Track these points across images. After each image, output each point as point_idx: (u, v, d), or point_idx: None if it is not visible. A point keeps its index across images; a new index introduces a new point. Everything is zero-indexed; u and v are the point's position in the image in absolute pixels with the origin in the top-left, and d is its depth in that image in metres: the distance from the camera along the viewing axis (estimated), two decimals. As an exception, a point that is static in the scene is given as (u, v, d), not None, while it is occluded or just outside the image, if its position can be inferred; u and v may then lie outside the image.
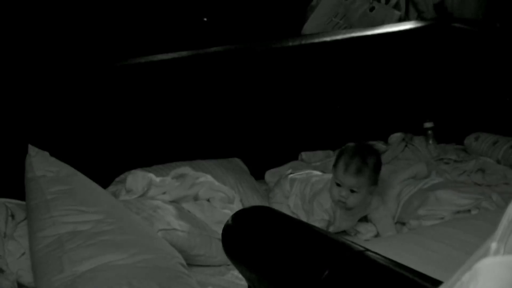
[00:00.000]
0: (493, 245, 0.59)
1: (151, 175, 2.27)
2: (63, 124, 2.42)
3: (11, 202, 2.13)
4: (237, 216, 1.32)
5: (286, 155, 2.74)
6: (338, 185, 2.18)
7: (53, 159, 2.07)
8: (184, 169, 2.36)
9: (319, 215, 2.22)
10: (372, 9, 3.07)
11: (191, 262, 2.00)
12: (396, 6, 3.12)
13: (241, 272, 1.32)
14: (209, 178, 2.33)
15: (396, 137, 2.89)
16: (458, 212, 2.27)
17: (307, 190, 2.33)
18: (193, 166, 2.43)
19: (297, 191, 2.36)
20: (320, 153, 2.80)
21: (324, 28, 3.05)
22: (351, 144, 2.28)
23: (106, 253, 1.69)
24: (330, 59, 2.81)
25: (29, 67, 2.49)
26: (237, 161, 2.66)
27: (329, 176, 2.33)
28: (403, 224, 2.35)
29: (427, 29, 2.97)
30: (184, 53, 2.63)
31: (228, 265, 1.95)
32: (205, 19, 3.00)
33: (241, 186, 2.49)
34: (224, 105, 2.68)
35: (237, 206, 2.26)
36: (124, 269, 1.65)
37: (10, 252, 1.95)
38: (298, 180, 2.39)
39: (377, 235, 2.30)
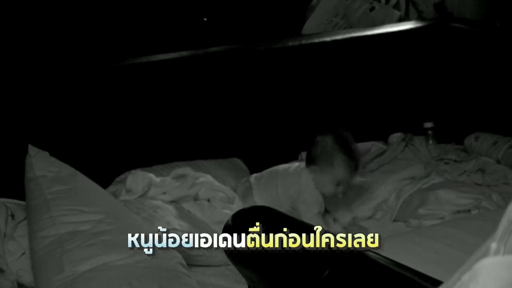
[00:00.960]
0: (493, 245, 0.59)
1: (151, 175, 2.27)
2: (63, 124, 2.42)
3: (11, 202, 2.13)
4: (237, 216, 1.32)
5: (286, 155, 2.74)
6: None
7: (53, 159, 2.07)
8: (184, 169, 2.36)
9: (314, 209, 2.22)
10: (372, 9, 3.07)
11: (191, 262, 2.00)
12: (396, 6, 3.12)
13: (241, 272, 1.32)
14: (209, 178, 2.33)
15: (396, 137, 2.88)
16: (458, 212, 2.27)
17: (291, 189, 2.29)
18: (193, 166, 2.43)
19: (272, 192, 2.31)
20: (320, 153, 2.79)
21: (324, 28, 3.05)
22: (328, 138, 2.22)
23: (106, 253, 1.69)
24: (330, 59, 2.81)
25: (29, 67, 2.49)
26: (237, 161, 2.66)
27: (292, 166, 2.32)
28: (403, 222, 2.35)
29: (427, 29, 2.96)
30: (184, 53, 2.63)
31: (228, 265, 1.95)
32: (205, 19, 3.00)
33: (241, 186, 2.48)
34: (224, 105, 2.68)
35: (237, 206, 2.26)
36: (124, 269, 1.65)
37: (10, 252, 1.95)
38: (264, 184, 2.32)
39: (354, 220, 2.35)
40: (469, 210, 2.27)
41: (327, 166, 2.21)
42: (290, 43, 2.76)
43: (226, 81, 2.67)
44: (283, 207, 2.27)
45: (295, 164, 2.38)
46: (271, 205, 2.21)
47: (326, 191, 2.22)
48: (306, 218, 2.22)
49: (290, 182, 2.30)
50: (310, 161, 2.26)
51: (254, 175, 2.40)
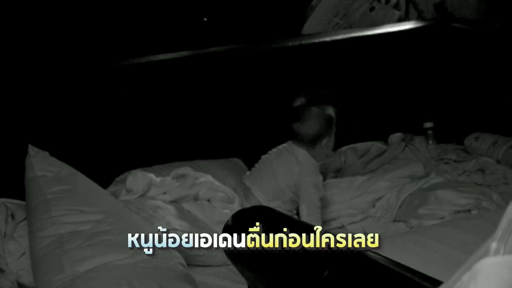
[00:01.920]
0: (493, 245, 0.59)
1: (151, 175, 2.26)
2: (63, 124, 2.42)
3: (11, 202, 2.13)
4: (237, 216, 1.32)
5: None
6: None
7: (53, 159, 2.07)
8: (185, 169, 2.36)
9: (320, 192, 2.27)
10: (372, 9, 3.07)
11: (191, 262, 2.00)
12: (396, 6, 3.12)
13: (241, 272, 1.31)
14: (209, 178, 2.33)
15: (396, 137, 2.89)
16: (458, 212, 2.27)
17: (292, 175, 2.29)
18: (193, 166, 2.43)
19: (272, 184, 2.31)
20: (320, 153, 2.79)
21: (324, 28, 3.05)
22: (311, 108, 2.27)
23: (106, 253, 1.69)
24: (330, 59, 2.81)
25: (29, 67, 2.49)
26: (237, 161, 2.66)
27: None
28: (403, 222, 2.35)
29: (427, 29, 2.96)
30: (184, 53, 2.63)
31: (228, 265, 1.95)
32: (205, 19, 3.00)
33: (241, 186, 2.48)
34: (224, 105, 2.68)
35: (237, 206, 2.26)
36: (124, 269, 1.65)
37: (10, 252, 1.95)
38: (260, 179, 2.32)
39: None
40: (469, 210, 2.27)
41: (330, 132, 2.26)
42: (290, 43, 2.76)
43: (226, 81, 2.67)
44: (286, 195, 2.28)
45: (276, 150, 2.37)
46: (275, 197, 2.25)
47: (330, 154, 2.33)
48: (309, 202, 2.23)
49: (290, 168, 2.29)
50: (310, 139, 2.27)
51: (245, 175, 2.40)
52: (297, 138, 2.29)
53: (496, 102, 2.78)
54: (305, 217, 2.20)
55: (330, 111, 2.28)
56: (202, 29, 2.98)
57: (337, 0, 3.08)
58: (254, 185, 2.31)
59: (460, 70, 2.92)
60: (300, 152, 2.29)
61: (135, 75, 2.54)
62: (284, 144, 2.35)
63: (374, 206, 2.44)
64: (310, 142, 2.28)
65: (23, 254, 1.94)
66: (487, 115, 2.84)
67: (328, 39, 2.83)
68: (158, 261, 1.71)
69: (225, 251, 1.30)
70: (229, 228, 1.28)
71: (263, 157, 2.39)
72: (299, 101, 2.29)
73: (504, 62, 2.71)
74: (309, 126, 2.27)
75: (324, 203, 2.33)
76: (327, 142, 2.29)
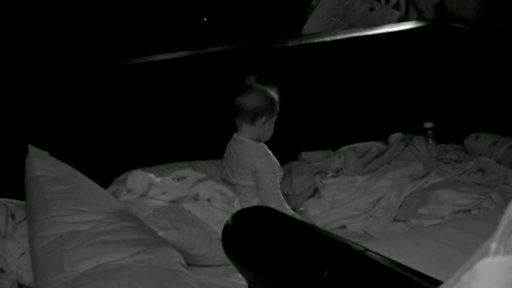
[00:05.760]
0: (493, 245, 0.59)
1: (152, 175, 2.27)
2: (63, 124, 2.42)
3: (11, 202, 2.13)
4: (237, 216, 1.32)
5: (286, 155, 2.74)
6: None
7: (53, 159, 2.07)
8: (185, 171, 2.35)
9: (276, 173, 2.29)
10: (372, 9, 3.08)
11: (191, 262, 2.00)
12: (396, 6, 3.12)
13: (241, 272, 1.31)
14: (209, 178, 2.33)
15: (396, 137, 2.89)
16: (458, 212, 2.28)
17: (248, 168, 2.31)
18: (193, 167, 2.43)
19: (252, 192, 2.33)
20: (320, 153, 2.80)
21: (324, 28, 3.05)
22: (258, 86, 2.29)
23: (106, 253, 1.69)
24: (330, 59, 2.81)
25: (29, 67, 2.49)
26: (237, 161, 2.66)
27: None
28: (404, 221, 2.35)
29: (427, 29, 2.97)
30: (184, 53, 2.63)
31: (228, 265, 1.95)
32: (205, 19, 3.00)
33: (241, 186, 2.48)
34: (224, 105, 2.68)
35: (237, 206, 2.26)
36: (124, 269, 1.65)
37: (10, 252, 1.95)
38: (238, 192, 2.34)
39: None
40: (469, 210, 2.28)
41: (270, 112, 2.29)
42: (290, 43, 2.76)
43: (225, 81, 2.66)
44: (255, 189, 2.30)
45: (224, 159, 2.39)
46: (253, 197, 2.28)
47: (266, 137, 2.33)
48: (268, 189, 2.25)
49: (239, 164, 2.32)
50: (250, 113, 2.29)
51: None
52: (238, 113, 2.31)
53: (496, 102, 2.78)
54: (265, 204, 2.23)
55: (273, 92, 2.31)
56: (202, 29, 2.98)
57: (337, 0, 3.09)
58: (241, 196, 2.33)
59: (460, 70, 2.92)
60: (239, 144, 2.32)
61: (135, 75, 2.55)
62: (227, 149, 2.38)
63: (374, 206, 2.45)
64: (250, 117, 2.30)
65: (23, 254, 1.94)
66: (487, 115, 2.84)
67: (328, 39, 2.83)
68: (158, 261, 1.71)
69: (225, 251, 1.30)
70: (229, 228, 1.28)
71: (222, 177, 2.40)
72: (247, 80, 2.32)
73: (504, 62, 2.71)
74: (251, 99, 2.29)
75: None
76: (266, 122, 2.30)
